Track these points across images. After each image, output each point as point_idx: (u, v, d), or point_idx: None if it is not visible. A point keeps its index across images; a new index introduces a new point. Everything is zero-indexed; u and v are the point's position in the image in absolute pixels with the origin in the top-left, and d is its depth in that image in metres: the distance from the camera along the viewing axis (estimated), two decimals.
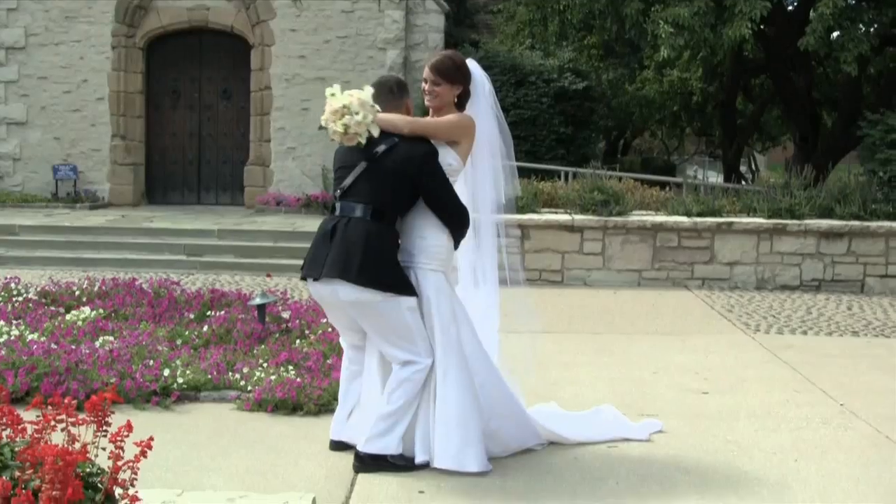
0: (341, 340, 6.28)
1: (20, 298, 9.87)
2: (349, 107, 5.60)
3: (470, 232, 6.02)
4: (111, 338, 8.29)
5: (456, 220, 5.84)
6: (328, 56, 20.81)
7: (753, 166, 39.36)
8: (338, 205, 5.83)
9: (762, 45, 20.86)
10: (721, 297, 12.68)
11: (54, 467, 3.59)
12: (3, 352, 7.51)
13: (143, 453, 3.97)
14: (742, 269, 13.58)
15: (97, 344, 8.02)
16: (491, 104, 6.13)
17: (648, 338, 10.06)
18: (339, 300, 5.70)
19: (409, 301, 5.67)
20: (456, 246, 5.92)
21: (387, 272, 5.63)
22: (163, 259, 15.44)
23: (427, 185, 5.71)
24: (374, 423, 5.70)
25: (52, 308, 9.63)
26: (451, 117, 5.89)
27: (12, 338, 8.06)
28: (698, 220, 13.66)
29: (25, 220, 17.56)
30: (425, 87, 5.96)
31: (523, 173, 16.27)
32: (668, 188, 16.67)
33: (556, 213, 14.07)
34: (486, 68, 17.02)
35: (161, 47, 22.00)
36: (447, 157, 5.82)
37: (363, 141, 5.64)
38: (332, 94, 5.70)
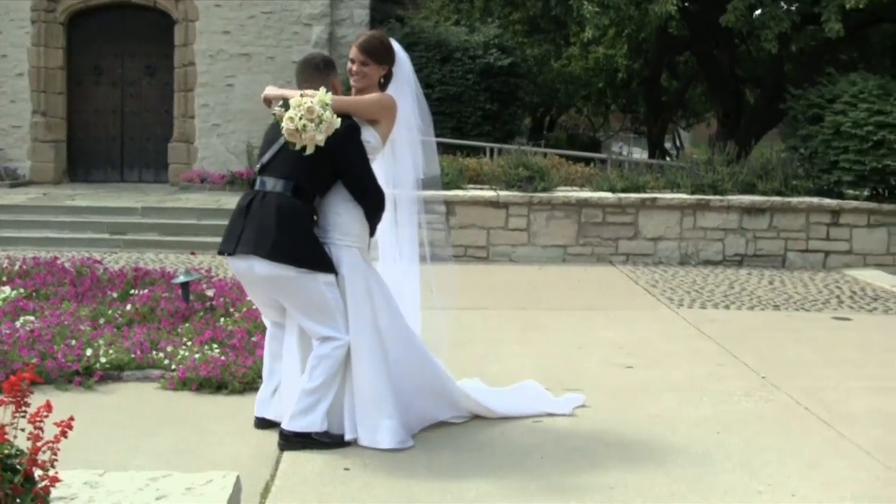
0: (263, 318, 6.27)
1: None
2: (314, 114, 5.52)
3: (390, 207, 6.03)
4: (32, 318, 8.18)
5: (372, 201, 5.83)
6: (253, 32, 20.61)
7: (678, 143, 39.80)
8: (257, 180, 5.82)
9: (686, 22, 21.06)
10: (645, 273, 12.80)
11: None
12: None
13: (64, 433, 3.92)
14: (666, 244, 13.71)
15: (18, 324, 7.91)
16: (412, 84, 6.13)
17: (574, 313, 10.13)
18: (256, 275, 5.69)
19: (327, 277, 5.66)
20: (372, 231, 5.92)
21: (302, 248, 5.62)
22: (85, 238, 15.23)
23: (347, 157, 5.68)
24: (297, 400, 5.69)
25: None
26: (373, 96, 5.89)
27: None
28: (623, 195, 13.76)
29: None
30: (353, 67, 5.95)
31: (449, 150, 16.32)
32: (593, 164, 16.79)
33: (481, 189, 14.10)
34: (411, 45, 16.93)
35: (83, 22, 21.64)
36: (366, 135, 5.80)
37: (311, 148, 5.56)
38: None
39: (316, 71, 5.95)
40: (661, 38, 23.87)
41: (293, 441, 5.66)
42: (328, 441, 5.70)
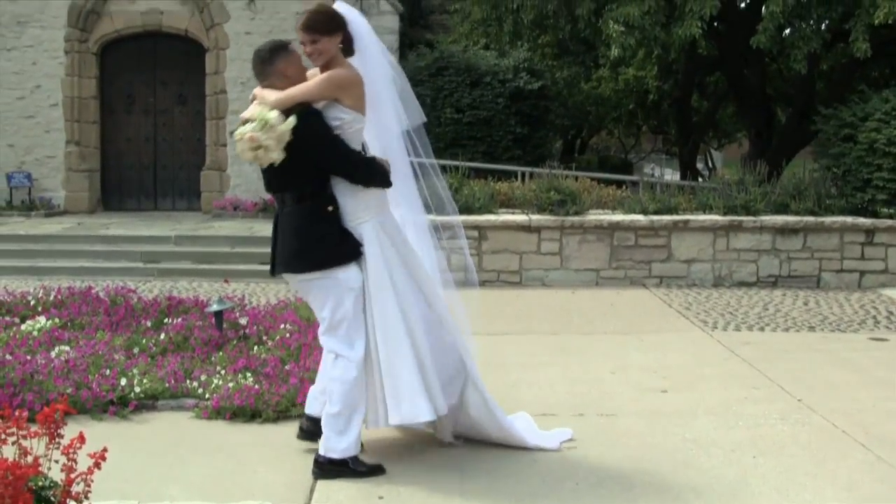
0: None
1: None
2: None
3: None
4: (67, 347, 8.22)
5: (362, 175, 5.78)
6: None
7: (710, 163, 39.63)
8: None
9: (715, 42, 20.99)
10: (679, 295, 12.74)
11: (4, 481, 3.56)
12: None
13: (97, 465, 3.94)
14: (699, 266, 13.64)
15: (53, 354, 7.95)
16: (373, 39, 6.02)
17: (607, 337, 10.09)
18: (298, 288, 6.05)
19: (349, 277, 5.72)
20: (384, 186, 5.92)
21: (316, 250, 5.69)
22: (119, 267, 15.32)
23: (314, 149, 5.68)
24: (325, 428, 5.69)
25: (7, 318, 9.52)
26: (319, 78, 5.74)
27: None
28: (655, 218, 13.70)
29: None
30: (306, 49, 5.80)
31: (480, 174, 16.34)
32: (624, 187, 16.73)
33: (513, 213, 14.08)
34: (441, 69, 16.95)
35: (115, 52, 21.82)
36: (335, 113, 5.71)
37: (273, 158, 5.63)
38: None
39: (263, 64, 5.84)
40: (690, 59, 23.80)
41: (327, 469, 5.66)
42: (363, 470, 5.69)
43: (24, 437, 3.97)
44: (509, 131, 20.06)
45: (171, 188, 21.90)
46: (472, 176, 15.29)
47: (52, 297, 10.24)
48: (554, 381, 8.11)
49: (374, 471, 5.72)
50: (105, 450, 3.99)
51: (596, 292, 13.00)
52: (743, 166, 15.40)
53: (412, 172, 6.18)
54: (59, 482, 3.94)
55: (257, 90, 5.84)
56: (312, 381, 6.73)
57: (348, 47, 5.87)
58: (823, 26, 17.38)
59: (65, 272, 14.82)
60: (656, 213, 13.89)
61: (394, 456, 6.03)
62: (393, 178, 5.92)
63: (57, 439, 3.99)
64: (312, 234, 5.70)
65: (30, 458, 3.91)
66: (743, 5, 21.94)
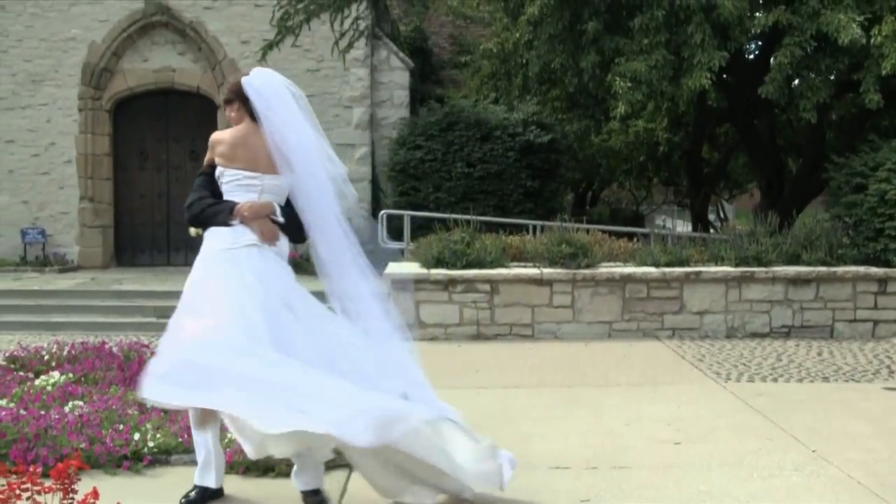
0: None
1: None
2: None
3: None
4: (81, 402, 8.23)
5: (187, 213, 6.37)
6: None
7: (722, 214, 39.64)
8: None
9: (724, 93, 21.05)
10: (692, 347, 12.71)
11: None
12: None
13: None
14: (712, 317, 13.62)
15: (67, 409, 7.96)
16: (289, 102, 6.29)
17: (620, 389, 10.06)
18: None
19: None
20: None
21: None
22: (133, 322, 15.38)
23: None
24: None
25: (21, 373, 9.55)
26: None
27: None
28: (667, 270, 13.70)
29: None
30: None
31: (492, 228, 16.38)
32: (636, 239, 16.74)
33: (524, 266, 14.08)
34: (451, 123, 17.01)
35: (128, 109, 22.05)
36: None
37: None
38: None
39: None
40: (699, 111, 23.87)
41: None
42: None
43: (39, 493, 3.99)
44: (520, 185, 20.14)
45: (183, 243, 21.98)
46: (484, 230, 15.31)
47: (65, 353, 10.28)
48: (567, 433, 8.09)
49: None
50: None
51: (608, 345, 12.98)
52: (755, 217, 15.42)
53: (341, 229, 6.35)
54: None
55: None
56: None
57: (250, 110, 6.25)
58: (832, 77, 17.43)
59: (78, 327, 14.88)
60: (668, 265, 13.89)
61: None
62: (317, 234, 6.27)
63: (71, 494, 4.01)
64: None
65: None
66: (751, 57, 22.03)
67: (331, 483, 6.38)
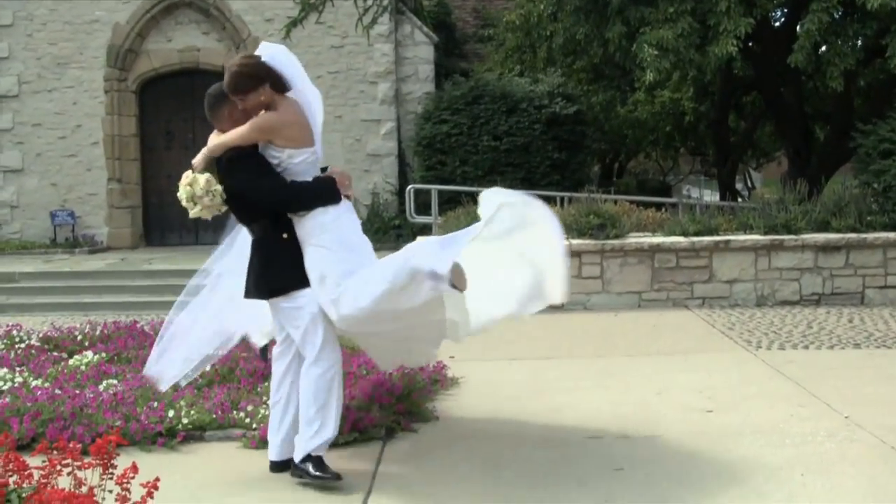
0: None
1: (22, 345, 9.89)
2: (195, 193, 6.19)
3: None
4: (115, 381, 8.30)
5: (294, 205, 6.04)
6: (320, 92, 20.79)
7: (749, 183, 39.47)
8: None
9: (751, 61, 20.94)
10: (721, 316, 12.69)
11: None
12: (7, 399, 7.53)
13: (150, 494, 3.99)
14: (741, 286, 13.59)
15: (101, 387, 8.04)
16: (301, 70, 6.32)
17: (650, 359, 10.06)
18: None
19: (308, 301, 5.99)
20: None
21: (275, 277, 6.05)
22: (164, 301, 15.33)
23: (243, 198, 6.09)
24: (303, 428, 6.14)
25: (55, 353, 9.64)
26: (247, 124, 5.99)
27: (16, 385, 8.08)
28: (695, 239, 13.67)
29: (25, 266, 17.60)
30: (240, 108, 6.07)
31: None
32: (664, 209, 16.70)
33: None
34: (477, 97, 16.95)
35: (153, 89, 22.12)
36: (269, 152, 6.07)
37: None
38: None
39: (210, 110, 6.26)
40: (726, 79, 23.76)
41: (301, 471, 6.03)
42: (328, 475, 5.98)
43: (79, 468, 4.03)
44: (547, 157, 20.10)
45: (211, 222, 22.00)
46: None
47: (98, 332, 10.37)
48: (599, 403, 8.10)
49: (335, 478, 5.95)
50: (157, 479, 4.05)
51: (638, 315, 12.97)
52: (783, 185, 15.34)
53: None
54: None
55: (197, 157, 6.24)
56: (357, 409, 6.79)
57: (283, 86, 6.10)
58: (859, 43, 17.30)
59: (110, 307, 14.97)
60: (697, 234, 13.85)
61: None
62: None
63: (110, 470, 4.05)
64: (271, 262, 6.04)
65: (84, 489, 3.97)
66: (777, 24, 21.89)
67: (363, 455, 6.46)
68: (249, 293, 6.17)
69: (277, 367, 6.29)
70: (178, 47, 21.98)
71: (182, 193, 6.18)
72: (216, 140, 6.10)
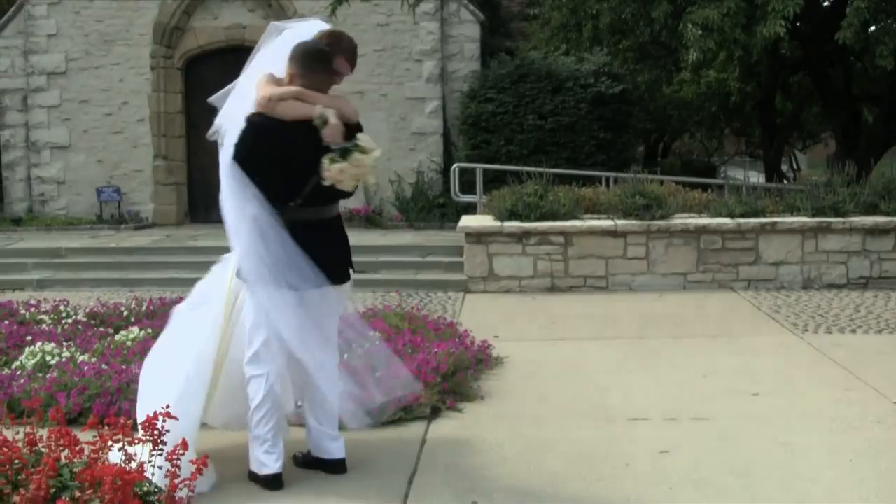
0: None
1: (69, 321, 9.95)
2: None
3: None
4: None
5: None
6: (365, 69, 20.81)
7: (795, 165, 39.18)
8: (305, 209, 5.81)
9: (798, 42, 20.76)
10: (767, 298, 12.60)
11: (113, 487, 3.63)
12: (55, 374, 7.60)
13: (200, 471, 4.01)
14: (788, 268, 13.48)
15: None
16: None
17: (696, 341, 10.01)
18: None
19: None
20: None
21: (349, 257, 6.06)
22: None
23: None
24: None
25: (102, 329, 9.69)
26: (348, 106, 5.87)
27: (63, 360, 8.14)
28: (742, 221, 13.57)
29: (71, 242, 17.72)
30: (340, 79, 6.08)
31: (564, 180, 16.31)
32: (710, 190, 16.59)
33: (598, 218, 14.02)
34: (522, 76, 16.99)
35: (199, 66, 22.15)
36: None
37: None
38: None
39: (322, 62, 5.95)
40: (772, 60, 23.55)
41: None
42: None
43: (130, 444, 4.06)
44: (592, 136, 19.99)
45: None
46: (556, 182, 15.24)
47: (143, 308, 10.44)
48: (645, 385, 8.07)
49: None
50: (207, 457, 4.07)
51: (683, 296, 12.91)
52: (830, 167, 15.19)
53: None
54: (164, 487, 4.01)
55: (304, 102, 5.73)
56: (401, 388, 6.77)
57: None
58: None
59: (155, 283, 15.03)
60: (743, 215, 13.75)
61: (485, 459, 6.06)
62: None
63: (160, 446, 4.07)
64: (347, 242, 6.02)
65: (134, 464, 3.99)
66: (826, 4, 21.66)
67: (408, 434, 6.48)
68: (344, 276, 5.91)
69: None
70: (224, 24, 21.99)
71: (370, 162, 5.71)
72: (350, 108, 5.82)
